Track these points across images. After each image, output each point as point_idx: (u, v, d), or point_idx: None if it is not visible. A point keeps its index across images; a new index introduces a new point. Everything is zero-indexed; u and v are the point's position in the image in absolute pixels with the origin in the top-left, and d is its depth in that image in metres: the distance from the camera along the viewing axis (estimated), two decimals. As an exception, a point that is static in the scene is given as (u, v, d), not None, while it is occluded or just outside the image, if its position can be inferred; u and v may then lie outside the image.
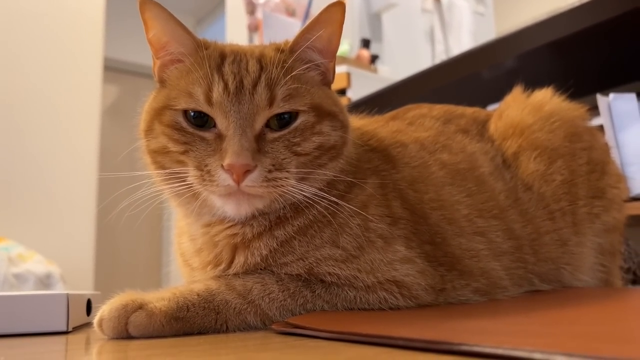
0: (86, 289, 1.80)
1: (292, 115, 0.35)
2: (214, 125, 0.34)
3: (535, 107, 0.48)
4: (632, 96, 0.76)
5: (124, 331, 0.31)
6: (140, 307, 0.31)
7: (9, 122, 1.69)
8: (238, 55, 0.35)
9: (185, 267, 0.40)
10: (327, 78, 0.38)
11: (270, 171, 0.33)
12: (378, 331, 0.25)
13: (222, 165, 0.32)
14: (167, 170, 0.35)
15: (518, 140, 0.46)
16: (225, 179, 0.32)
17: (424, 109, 0.50)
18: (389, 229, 0.37)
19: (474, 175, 0.43)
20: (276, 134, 0.34)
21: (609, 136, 0.73)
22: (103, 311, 0.32)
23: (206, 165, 0.33)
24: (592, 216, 0.45)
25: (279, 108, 0.34)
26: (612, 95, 0.75)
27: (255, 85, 0.33)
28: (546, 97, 0.48)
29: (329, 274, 0.35)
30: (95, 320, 0.32)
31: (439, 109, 0.50)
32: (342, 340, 0.26)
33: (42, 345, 0.34)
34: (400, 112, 0.51)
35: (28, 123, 1.73)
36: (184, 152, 0.34)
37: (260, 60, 0.35)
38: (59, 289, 1.46)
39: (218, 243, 0.36)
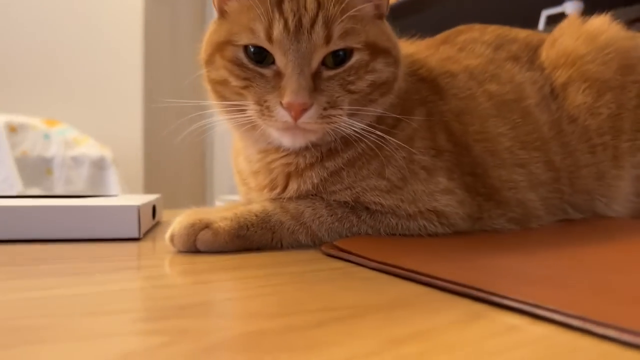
0: (136, 172, 1.92)
1: (347, 53, 0.36)
2: (273, 62, 0.35)
3: (590, 36, 0.47)
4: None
5: (193, 246, 0.36)
6: (207, 226, 0.36)
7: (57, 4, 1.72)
8: None
9: (242, 186, 0.44)
10: (381, 11, 0.38)
11: (325, 109, 0.35)
12: (418, 267, 0.28)
13: (280, 103, 0.34)
14: (227, 102, 0.37)
15: (569, 70, 0.46)
16: (283, 115, 0.34)
17: (475, 32, 0.50)
18: (433, 161, 0.39)
19: (521, 106, 0.43)
20: (332, 72, 0.36)
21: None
22: (174, 229, 0.36)
23: (265, 101, 0.35)
24: (634, 149, 0.46)
25: (335, 45, 0.35)
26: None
27: (313, 23, 0.34)
28: (603, 26, 0.47)
29: (374, 202, 0.38)
30: (167, 235, 0.37)
31: (491, 32, 0.50)
32: (384, 272, 0.30)
33: (118, 250, 0.39)
34: (452, 34, 0.50)
35: (75, 3, 1.75)
36: (245, 87, 0.36)
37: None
38: (112, 173, 1.57)
39: (273, 170, 0.40)
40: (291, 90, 0.34)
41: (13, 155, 1.38)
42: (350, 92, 0.36)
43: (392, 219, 0.39)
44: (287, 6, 0.35)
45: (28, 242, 0.41)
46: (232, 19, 0.37)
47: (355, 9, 0.35)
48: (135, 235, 0.42)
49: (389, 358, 0.18)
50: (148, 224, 0.47)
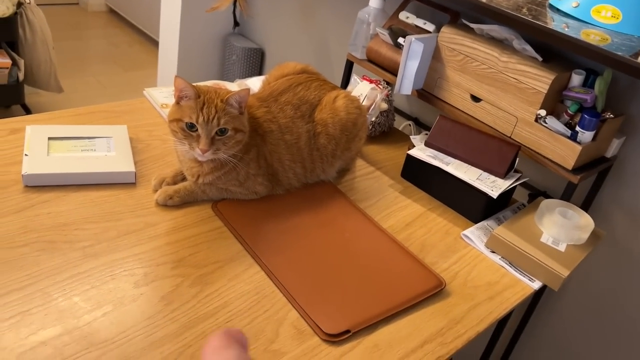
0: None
1: (226, 130, 0.92)
2: (196, 130, 0.91)
3: (334, 112, 1.08)
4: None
5: (165, 204, 0.98)
6: (170, 197, 0.98)
7: None
8: (209, 104, 0.90)
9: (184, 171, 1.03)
10: (241, 111, 0.94)
11: (214, 151, 0.93)
12: (242, 231, 0.96)
13: (198, 147, 0.92)
14: (177, 140, 0.93)
15: (321, 127, 1.08)
16: (198, 152, 0.92)
17: (290, 94, 1.07)
18: (257, 171, 1.02)
19: (297, 145, 1.05)
20: (219, 137, 0.92)
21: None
22: (157, 196, 0.98)
23: (192, 145, 0.92)
24: (336, 160, 1.15)
25: (221, 127, 0.91)
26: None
27: (212, 119, 0.90)
28: (341, 106, 1.09)
29: (232, 188, 1.01)
30: (154, 197, 0.98)
31: (297, 94, 1.08)
32: (243, 245, 0.97)
33: (116, 190, 0.99)
34: (278, 93, 1.07)
35: None
36: (185, 137, 0.92)
37: (216, 107, 0.90)
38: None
39: (194, 169, 0.99)
40: (202, 144, 0.91)
41: None
42: (225, 145, 0.94)
43: (239, 195, 1.03)
44: (204, 110, 0.90)
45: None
46: (182, 108, 0.91)
47: (229, 111, 0.92)
48: (132, 180, 1.02)
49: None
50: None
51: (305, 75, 1.12)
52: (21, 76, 2.39)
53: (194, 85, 0.91)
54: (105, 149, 1.06)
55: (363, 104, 1.38)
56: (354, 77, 1.43)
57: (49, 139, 1.05)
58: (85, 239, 0.88)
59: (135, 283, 0.82)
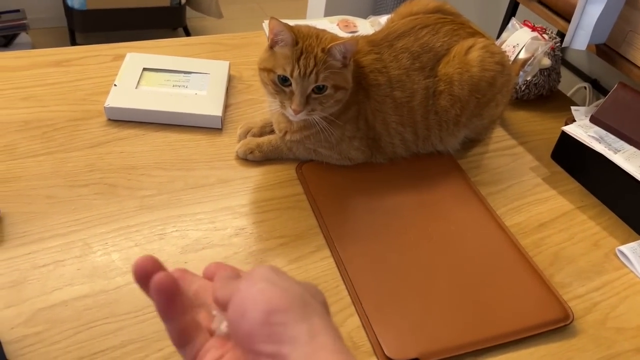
0: None
1: (324, 87, 0.75)
2: (290, 85, 0.75)
3: (464, 67, 0.83)
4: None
5: (245, 158, 0.85)
6: (251, 152, 0.84)
7: None
8: (307, 54, 0.73)
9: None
10: (345, 63, 0.76)
11: (309, 112, 0.76)
12: (321, 204, 0.79)
13: (290, 106, 0.77)
14: (268, 90, 0.78)
15: (444, 85, 0.84)
16: (290, 112, 0.76)
17: (411, 37, 0.84)
18: (354, 133, 0.83)
19: (409, 105, 0.83)
20: (315, 95, 0.76)
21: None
22: (237, 148, 0.85)
23: (283, 103, 0.77)
24: (462, 129, 0.90)
25: (319, 82, 0.74)
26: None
27: (310, 73, 0.73)
28: (474, 60, 0.83)
29: (322, 151, 0.84)
30: (235, 149, 0.85)
31: (420, 39, 0.84)
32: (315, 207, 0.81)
33: (199, 135, 0.88)
34: (396, 35, 0.85)
35: None
36: (275, 93, 0.77)
37: (315, 58, 0.73)
38: None
39: (281, 124, 0.84)
40: (295, 103, 0.75)
41: None
42: (322, 105, 0.77)
43: (329, 158, 0.86)
44: (301, 62, 0.73)
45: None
46: (276, 56, 0.75)
47: (330, 64, 0.74)
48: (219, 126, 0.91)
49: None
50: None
51: (437, 16, 0.88)
52: (183, -1, 2.43)
53: (292, 28, 0.74)
54: (197, 87, 0.96)
55: (520, 57, 1.09)
56: (513, 22, 1.13)
57: (144, 69, 0.97)
58: (148, 187, 0.79)
59: (183, 248, 0.71)
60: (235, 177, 0.83)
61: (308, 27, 0.78)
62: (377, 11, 2.15)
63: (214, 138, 0.90)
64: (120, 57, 1.02)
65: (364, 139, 0.85)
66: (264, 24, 1.19)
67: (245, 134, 0.89)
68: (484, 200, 0.85)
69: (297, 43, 0.74)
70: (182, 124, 0.91)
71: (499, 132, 1.02)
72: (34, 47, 2.45)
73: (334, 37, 0.76)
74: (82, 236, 0.71)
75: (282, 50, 0.75)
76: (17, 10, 2.41)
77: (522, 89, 1.09)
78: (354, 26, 1.23)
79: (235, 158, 0.86)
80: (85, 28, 2.47)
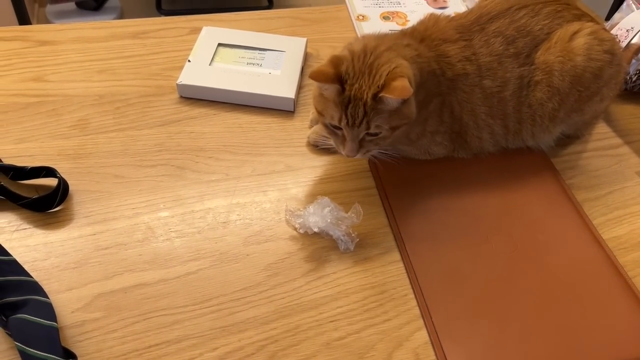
0: None
1: (378, 132, 0.67)
2: (342, 129, 0.68)
3: (567, 56, 0.73)
4: None
5: (316, 145, 0.80)
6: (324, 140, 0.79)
7: None
8: (356, 101, 0.65)
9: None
10: (404, 100, 0.66)
11: (365, 153, 0.70)
12: (395, 205, 0.73)
13: (343, 149, 0.70)
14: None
15: (543, 75, 0.74)
16: (344, 154, 0.70)
17: (506, 19, 0.75)
18: (437, 128, 0.76)
19: (500, 95, 0.74)
20: (370, 138, 0.68)
21: None
22: (309, 134, 0.81)
23: (337, 145, 0.70)
24: (559, 124, 0.80)
25: (371, 131, 0.67)
26: None
27: (360, 123, 0.66)
28: (579, 49, 0.72)
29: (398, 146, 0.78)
30: (307, 135, 0.81)
31: (516, 22, 0.74)
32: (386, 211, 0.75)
33: (271, 117, 0.84)
34: (488, 17, 0.76)
35: None
36: (328, 134, 0.72)
37: (365, 107, 0.65)
38: None
39: None
40: (347, 149, 0.69)
41: None
42: (379, 145, 0.70)
43: (407, 152, 0.79)
44: (349, 112, 0.65)
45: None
46: (325, 100, 0.68)
47: (383, 115, 0.66)
48: (291, 109, 0.86)
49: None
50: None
51: (540, -5, 0.78)
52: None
53: (338, 71, 0.66)
54: (272, 66, 0.91)
55: (633, 42, 0.96)
56: (629, 2, 1.00)
57: (219, 45, 0.94)
58: (215, 172, 0.77)
59: (245, 240, 0.68)
60: (304, 165, 0.79)
61: (365, 51, 0.67)
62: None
63: (285, 121, 0.86)
64: (197, 31, 0.99)
65: (447, 133, 0.78)
66: (346, -2, 1.12)
67: (317, 120, 0.84)
68: (579, 208, 0.75)
69: (343, 90, 0.66)
70: (254, 104, 0.87)
71: (601, 129, 0.90)
72: (122, 11, 2.50)
73: (391, 71, 0.65)
74: (147, 219, 0.70)
75: (330, 94, 0.68)
76: (107, -25, 2.46)
77: (633, 79, 0.96)
78: (444, 1, 1.13)
79: (306, 145, 0.82)
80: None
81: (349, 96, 0.66)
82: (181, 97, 0.88)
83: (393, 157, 0.75)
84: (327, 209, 0.69)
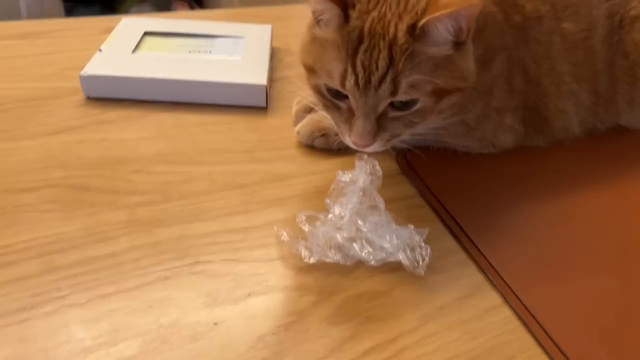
0: None
1: (412, 102, 0.40)
2: (347, 97, 0.40)
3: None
4: None
5: (311, 143, 0.50)
6: (323, 134, 0.49)
7: None
8: (372, 42, 0.38)
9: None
10: (460, 39, 0.39)
11: (388, 140, 0.41)
12: (446, 203, 0.43)
13: (348, 134, 0.41)
14: (317, 98, 0.44)
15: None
16: (351, 144, 0.42)
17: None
18: (505, 103, 0.48)
19: (586, 45, 0.50)
20: (397, 114, 0.40)
21: None
22: (299, 128, 0.50)
23: (339, 126, 0.42)
24: None
25: (400, 97, 0.39)
26: None
27: (381, 81, 0.38)
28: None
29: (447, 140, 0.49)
30: (296, 129, 0.51)
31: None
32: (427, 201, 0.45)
33: (233, 116, 0.54)
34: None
35: None
36: (326, 108, 0.43)
37: (391, 49, 0.37)
38: None
39: None
40: (356, 133, 0.40)
41: None
42: (413, 127, 0.42)
43: (461, 147, 0.50)
44: (359, 60, 0.37)
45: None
46: (321, 45, 0.40)
47: (427, 54, 0.38)
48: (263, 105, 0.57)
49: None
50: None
51: None
52: None
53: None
54: (227, 52, 0.63)
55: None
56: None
57: (145, 33, 0.65)
58: (145, 191, 0.44)
59: (206, 298, 0.35)
60: (294, 172, 0.48)
61: None
62: None
63: (255, 120, 0.56)
64: (111, 30, 0.69)
65: (519, 110, 0.50)
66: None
67: (304, 111, 0.54)
68: None
69: (348, 19, 0.39)
70: (206, 101, 0.57)
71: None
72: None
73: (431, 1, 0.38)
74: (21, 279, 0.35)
75: (327, 33, 0.40)
76: None
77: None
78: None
79: (295, 146, 0.52)
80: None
81: (361, 30, 0.38)
82: (88, 97, 0.56)
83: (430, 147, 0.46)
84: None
